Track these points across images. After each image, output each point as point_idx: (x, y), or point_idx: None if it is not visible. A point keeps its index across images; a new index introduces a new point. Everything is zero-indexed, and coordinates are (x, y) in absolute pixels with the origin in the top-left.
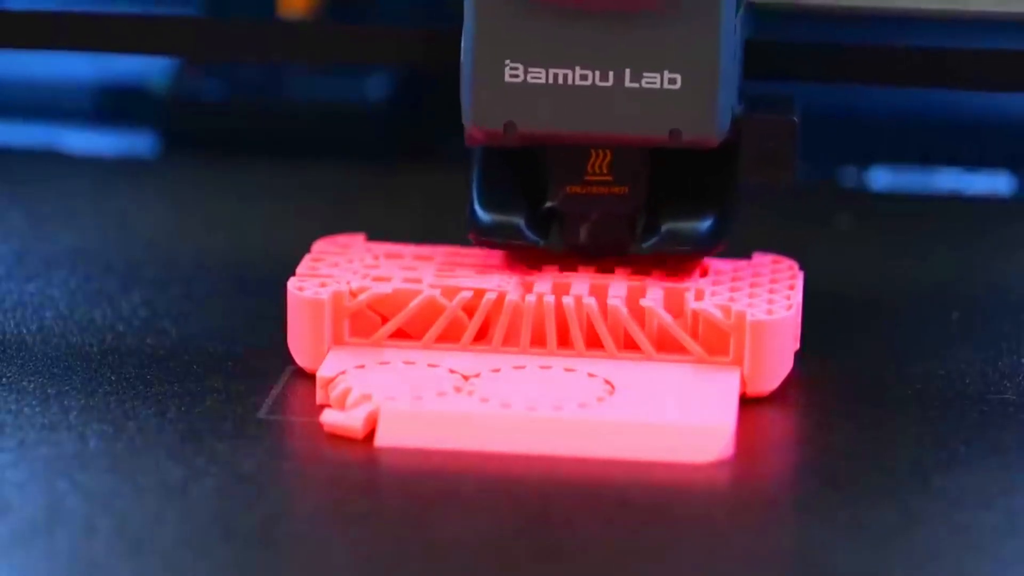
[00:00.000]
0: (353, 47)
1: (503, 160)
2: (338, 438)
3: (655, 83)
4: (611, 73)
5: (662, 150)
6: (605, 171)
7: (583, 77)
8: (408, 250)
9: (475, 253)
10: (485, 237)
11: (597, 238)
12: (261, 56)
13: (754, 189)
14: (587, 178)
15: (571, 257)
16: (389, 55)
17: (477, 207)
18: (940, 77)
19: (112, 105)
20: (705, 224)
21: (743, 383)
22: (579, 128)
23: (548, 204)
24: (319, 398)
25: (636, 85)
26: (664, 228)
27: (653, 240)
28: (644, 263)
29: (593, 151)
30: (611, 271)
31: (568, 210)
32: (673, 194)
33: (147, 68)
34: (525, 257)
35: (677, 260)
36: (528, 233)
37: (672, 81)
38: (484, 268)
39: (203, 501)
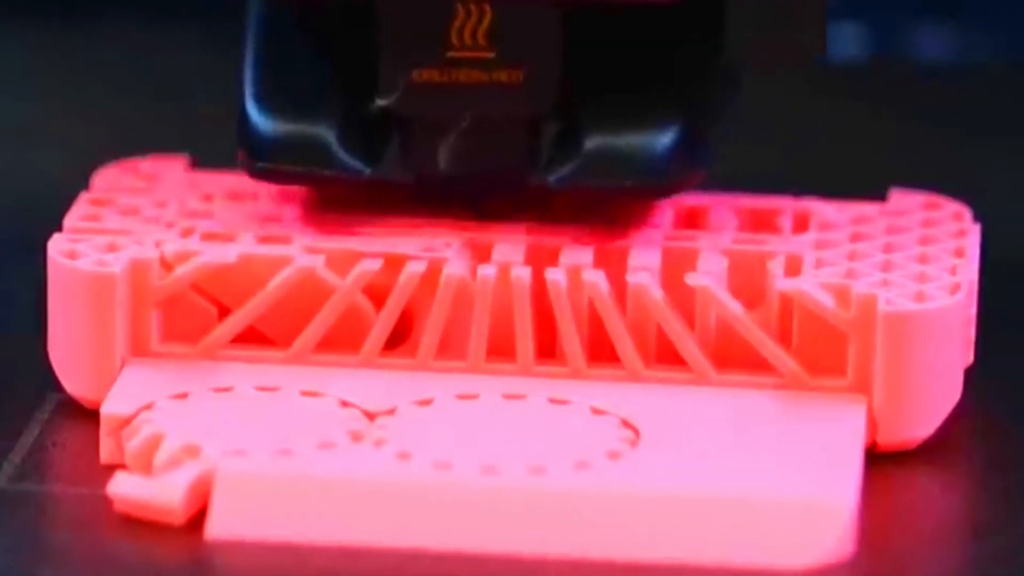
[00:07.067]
0: None
1: (299, 29)
2: (140, 524)
3: None
4: None
5: (582, 7)
6: (482, 41)
7: None
8: (266, 185)
9: (391, 191)
10: (267, 162)
11: (467, 163)
12: None
13: (755, 71)
14: (450, 54)
15: (426, 197)
16: None
17: (252, 111)
18: None
19: None
20: (662, 140)
21: (872, 426)
22: None
23: (379, 102)
24: (105, 453)
25: None
26: (589, 146)
27: (569, 167)
28: (561, 210)
29: (460, 6)
30: (503, 219)
31: (414, 112)
32: (606, 87)
33: None
34: (351, 198)
35: (614, 204)
36: (341, 154)
37: None
38: (404, 217)
39: None
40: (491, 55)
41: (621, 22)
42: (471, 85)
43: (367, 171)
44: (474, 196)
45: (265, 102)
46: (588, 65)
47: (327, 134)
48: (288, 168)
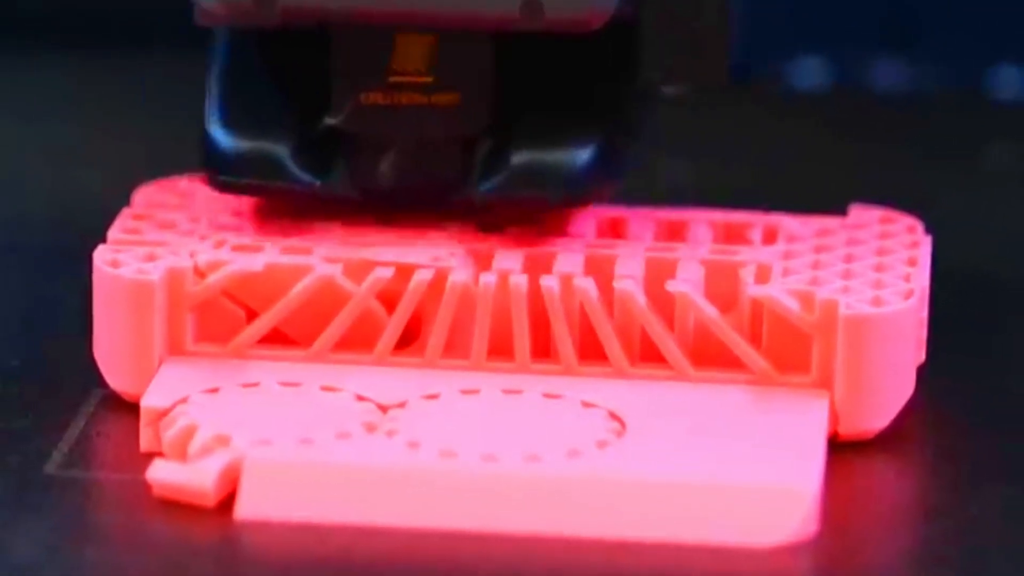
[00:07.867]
0: None
1: (258, 55)
2: (176, 507)
3: None
4: None
5: (513, 37)
6: (422, 68)
7: None
8: (288, 202)
9: (400, 208)
10: (228, 176)
11: (408, 177)
12: None
13: (664, 97)
14: (392, 79)
15: (371, 206)
16: None
17: (215, 129)
18: None
19: None
20: (581, 156)
21: (834, 418)
22: None
23: (328, 122)
24: (145, 442)
25: None
26: (515, 162)
27: (496, 180)
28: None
29: (401, 37)
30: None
31: (360, 131)
32: (531, 109)
33: None
34: (304, 207)
35: (538, 213)
36: (293, 169)
37: None
38: (413, 230)
39: None
40: (430, 80)
41: (547, 50)
42: (411, 107)
43: (316, 184)
44: (410, 205)
45: (226, 121)
46: (517, 89)
47: (281, 150)
48: (246, 181)
